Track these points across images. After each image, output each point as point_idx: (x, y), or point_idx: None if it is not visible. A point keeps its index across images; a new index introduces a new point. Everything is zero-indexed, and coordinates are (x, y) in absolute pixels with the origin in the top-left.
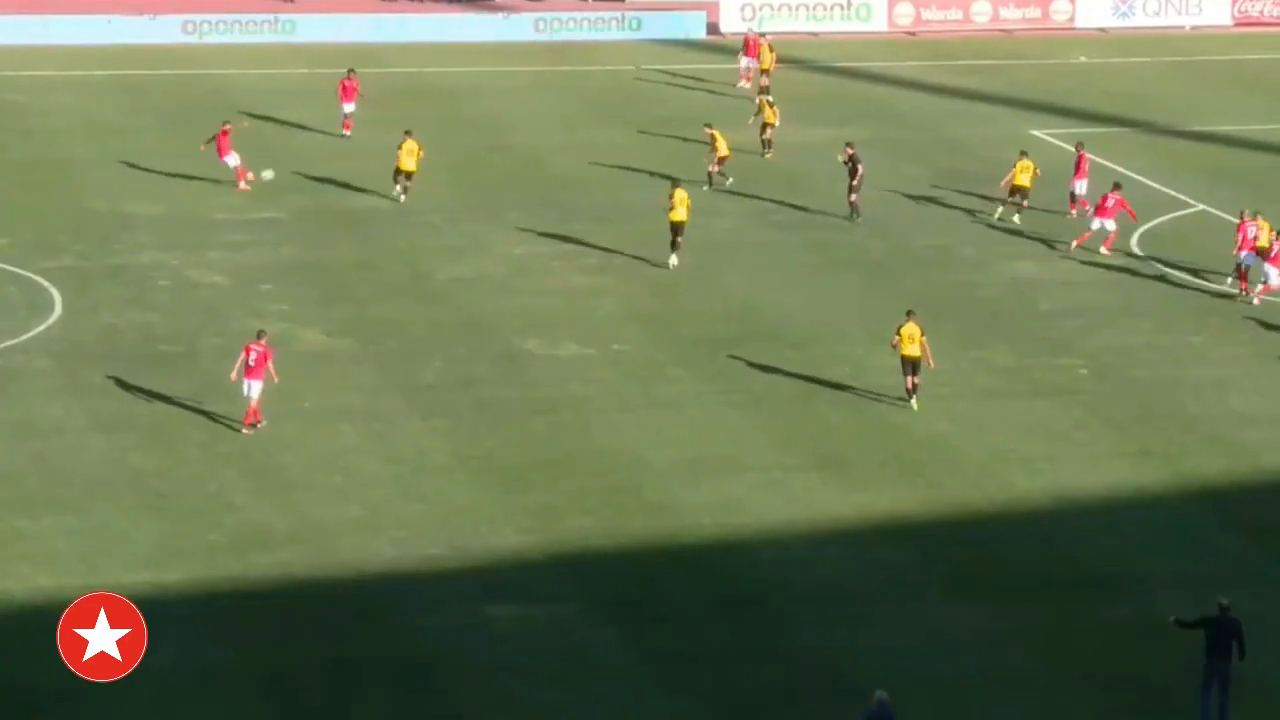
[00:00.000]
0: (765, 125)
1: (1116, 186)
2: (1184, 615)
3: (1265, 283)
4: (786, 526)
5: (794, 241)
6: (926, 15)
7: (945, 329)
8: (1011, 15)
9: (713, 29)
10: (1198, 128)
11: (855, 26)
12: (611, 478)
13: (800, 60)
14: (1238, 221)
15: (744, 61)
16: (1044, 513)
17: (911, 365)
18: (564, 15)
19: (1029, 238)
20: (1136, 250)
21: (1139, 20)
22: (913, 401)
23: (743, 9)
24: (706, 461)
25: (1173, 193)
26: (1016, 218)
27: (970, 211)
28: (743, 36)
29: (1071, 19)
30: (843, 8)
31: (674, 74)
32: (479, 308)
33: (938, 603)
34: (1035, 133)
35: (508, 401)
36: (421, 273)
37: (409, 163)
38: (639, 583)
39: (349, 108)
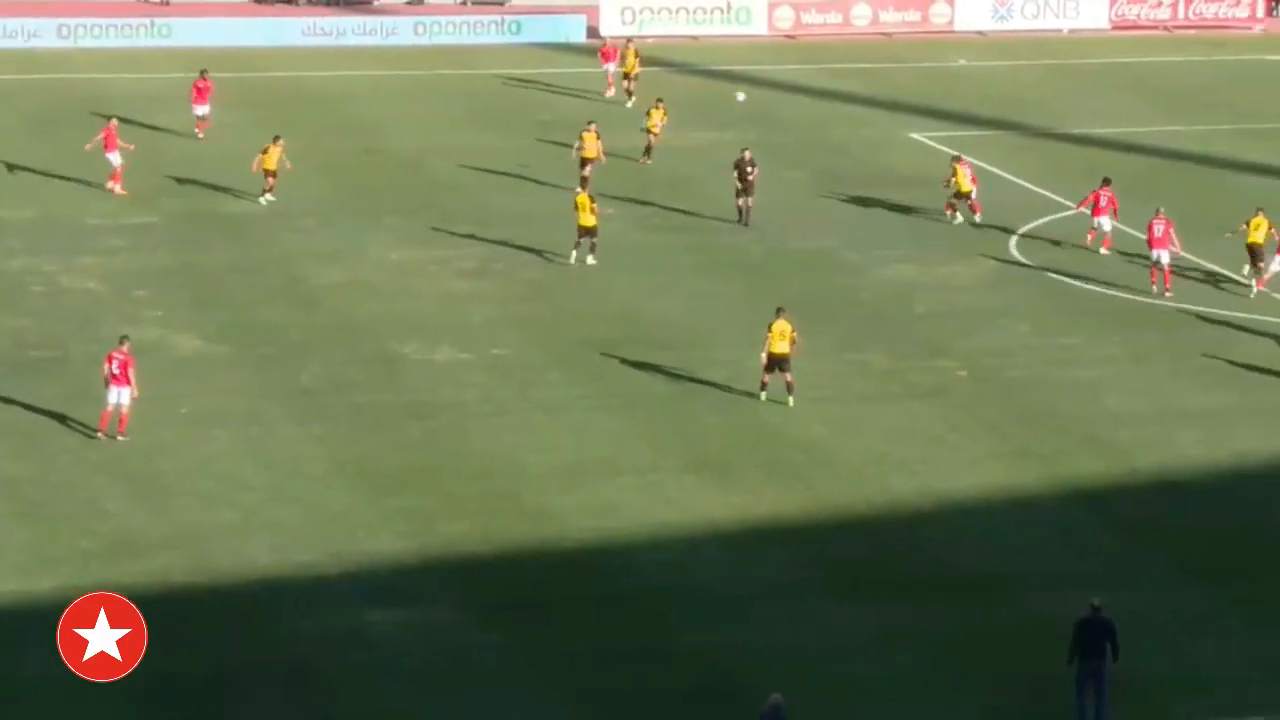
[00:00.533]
0: (649, 131)
1: (1106, 183)
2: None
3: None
4: (664, 529)
5: (674, 244)
6: (806, 18)
7: (824, 332)
8: (891, 18)
9: (593, 33)
10: (1076, 130)
11: (735, 30)
12: (489, 482)
13: (680, 64)
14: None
15: (610, 68)
16: (922, 515)
17: (779, 363)
18: (443, 19)
19: (907, 241)
20: (1014, 253)
21: (1017, 23)
22: (785, 400)
23: (623, 13)
24: (584, 465)
25: (1050, 195)
26: (959, 219)
27: (852, 214)
28: (602, 43)
29: (950, 22)
30: (722, 11)
31: (553, 78)
32: (355, 312)
33: (817, 604)
34: (914, 135)
35: (384, 406)
36: (298, 277)
37: (271, 162)
38: (517, 586)
39: (202, 110)
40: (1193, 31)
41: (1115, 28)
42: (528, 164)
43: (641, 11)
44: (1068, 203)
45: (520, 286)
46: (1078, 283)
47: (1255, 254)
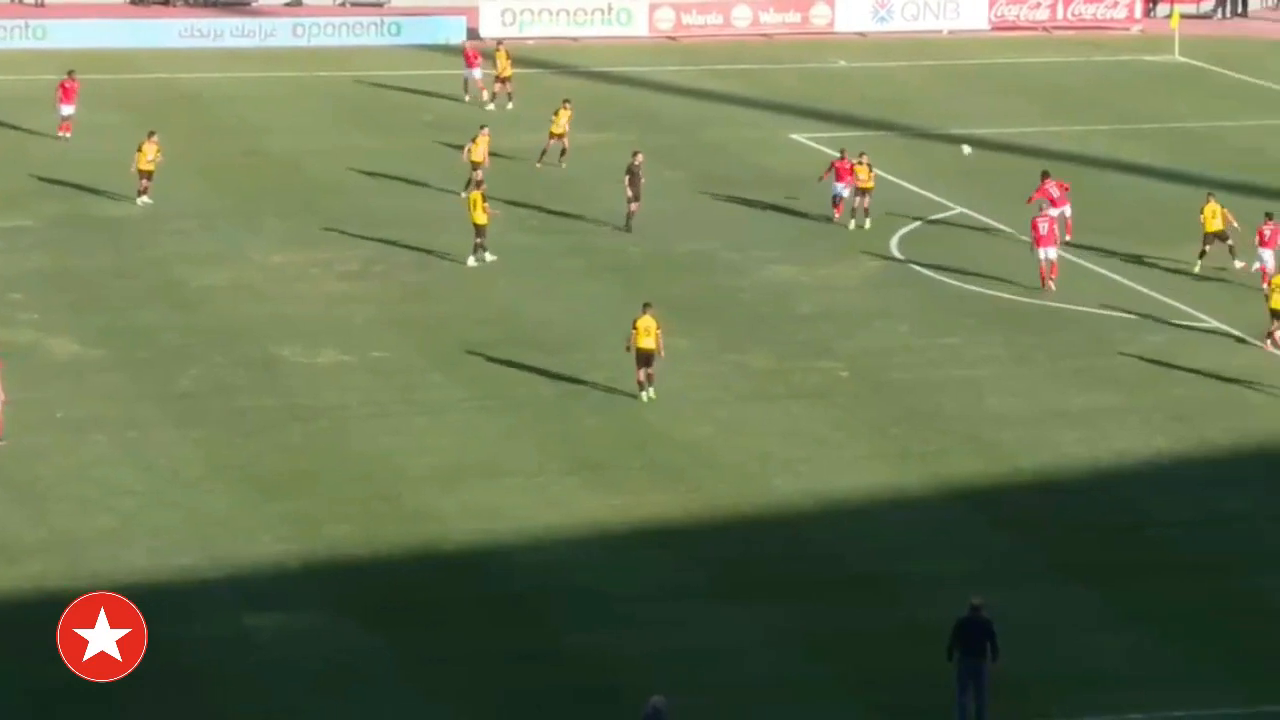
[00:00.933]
0: (555, 135)
1: (1045, 176)
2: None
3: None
4: (546, 531)
5: (555, 246)
6: (687, 20)
7: (706, 333)
8: (771, 20)
9: (473, 34)
10: (956, 130)
11: (616, 31)
12: (370, 485)
13: (561, 65)
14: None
15: (476, 73)
16: (805, 515)
17: (646, 358)
18: (322, 20)
19: (789, 242)
20: (895, 253)
21: (897, 24)
22: (646, 393)
23: (503, 14)
24: (466, 467)
25: (931, 195)
26: (868, 223)
27: (733, 215)
28: (461, 48)
29: (831, 23)
30: (603, 12)
31: (434, 79)
32: (235, 315)
33: (701, 605)
34: (795, 136)
35: (265, 410)
36: (176, 280)
37: (146, 163)
38: (399, 590)
39: (68, 110)
40: (1072, 32)
41: (995, 29)
42: (409, 166)
43: (522, 13)
44: (948, 203)
45: (402, 288)
46: (959, 283)
47: (1212, 241)
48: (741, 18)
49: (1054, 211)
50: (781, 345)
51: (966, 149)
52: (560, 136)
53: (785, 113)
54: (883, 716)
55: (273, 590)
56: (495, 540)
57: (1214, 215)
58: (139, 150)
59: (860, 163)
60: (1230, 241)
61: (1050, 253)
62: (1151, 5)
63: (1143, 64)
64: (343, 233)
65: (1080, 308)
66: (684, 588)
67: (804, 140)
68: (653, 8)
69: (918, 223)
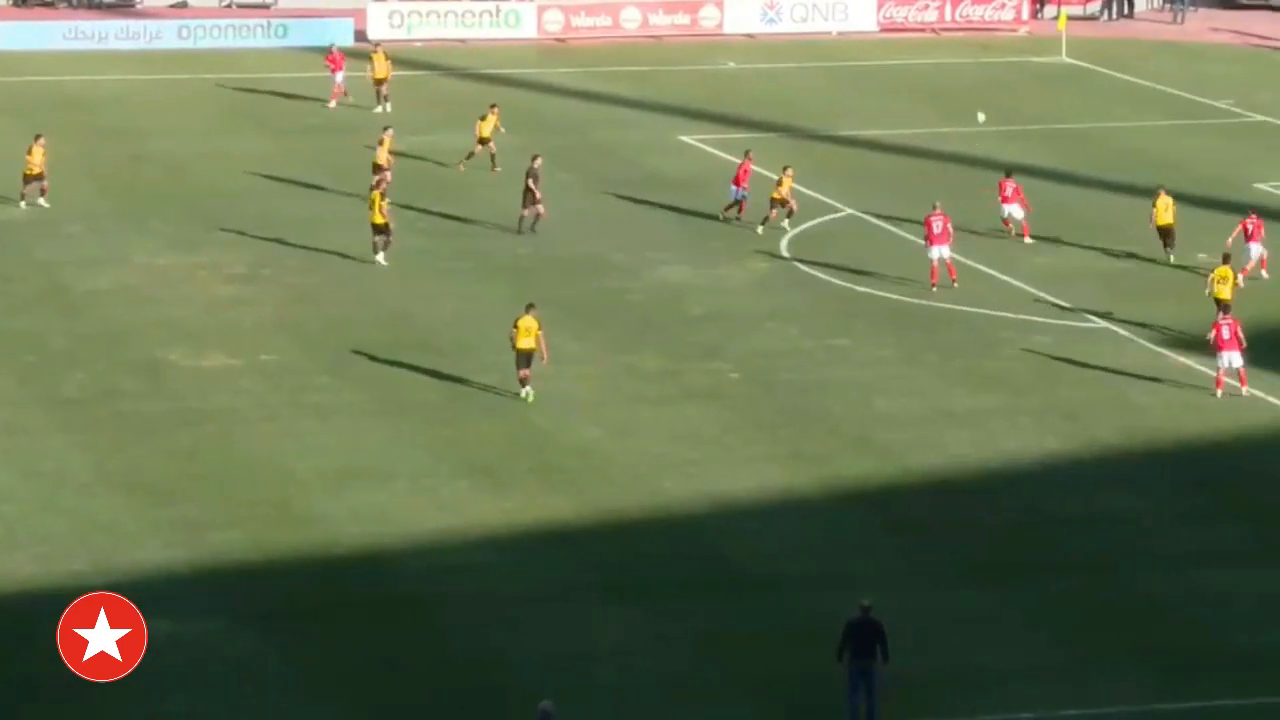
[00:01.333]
0: (481, 140)
1: (1009, 174)
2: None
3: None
4: (436, 535)
5: (444, 249)
6: (576, 22)
7: (595, 335)
8: (661, 21)
9: (360, 36)
10: (845, 132)
11: (505, 33)
12: (258, 489)
13: (450, 67)
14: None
15: (338, 77)
16: (696, 517)
17: (526, 358)
18: (208, 23)
19: (679, 243)
20: (785, 254)
21: (786, 26)
22: (525, 392)
23: (391, 16)
24: (354, 471)
25: (821, 197)
26: (786, 222)
27: (623, 217)
28: (328, 53)
29: (720, 25)
30: (492, 14)
31: (322, 81)
32: (121, 319)
33: (593, 608)
34: (684, 138)
35: (152, 414)
36: (61, 284)
37: (35, 166)
38: (288, 594)
39: None
40: (959, 34)
41: (883, 30)
42: (296, 169)
43: (410, 14)
44: (838, 204)
45: (289, 291)
46: (849, 284)
47: (1167, 236)
48: (630, 20)
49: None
50: (672, 347)
51: (981, 116)
52: (487, 141)
53: (675, 114)
54: (773, 717)
55: (161, 596)
56: (385, 544)
57: (1166, 209)
58: (28, 154)
59: (785, 175)
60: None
61: (944, 251)
62: (1039, 7)
63: (1030, 65)
64: (230, 235)
65: (969, 308)
66: (574, 590)
67: (693, 142)
68: (541, 10)
69: (808, 224)
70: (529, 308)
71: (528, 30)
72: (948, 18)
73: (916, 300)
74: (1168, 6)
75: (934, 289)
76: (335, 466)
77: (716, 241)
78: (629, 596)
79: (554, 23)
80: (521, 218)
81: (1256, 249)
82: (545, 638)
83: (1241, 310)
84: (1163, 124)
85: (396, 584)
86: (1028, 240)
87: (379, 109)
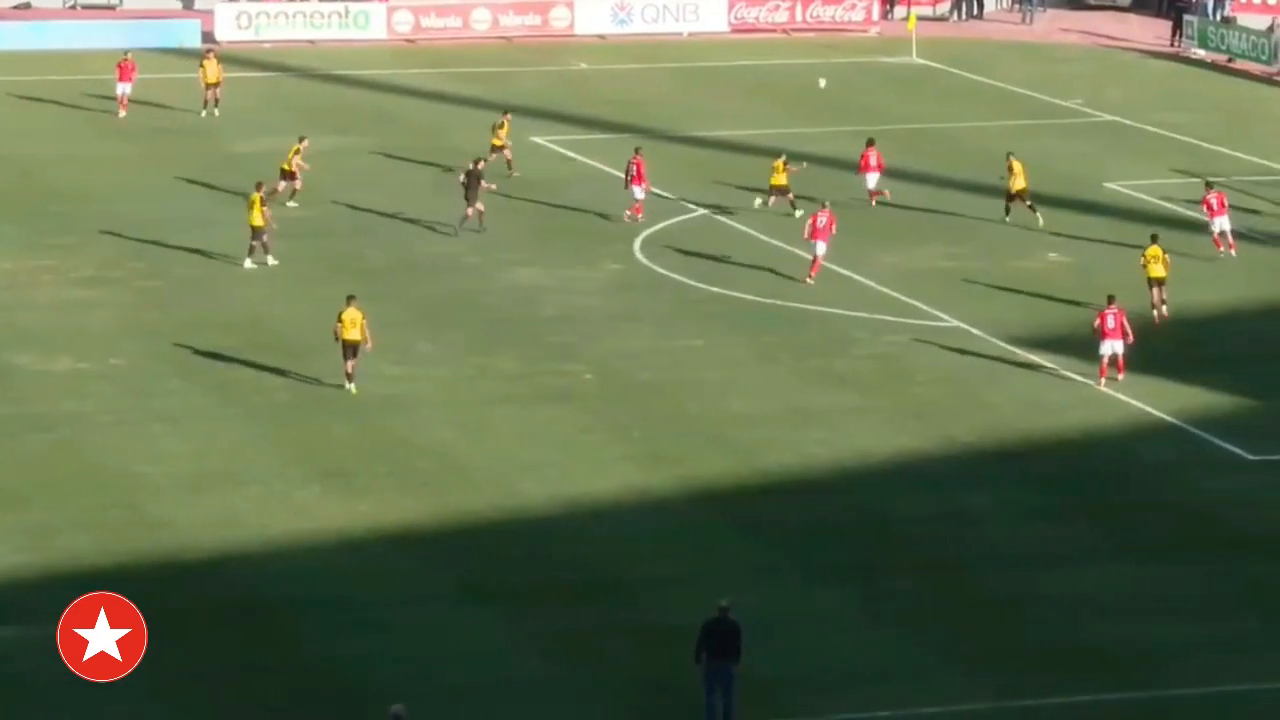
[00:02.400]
0: (495, 147)
1: (870, 142)
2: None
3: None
4: (290, 539)
5: (297, 251)
6: (426, 22)
7: (449, 337)
8: (511, 22)
9: (208, 37)
10: (697, 133)
11: (354, 34)
12: (108, 494)
13: (299, 69)
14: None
15: (125, 87)
16: (552, 518)
17: (352, 349)
18: (54, 23)
19: (532, 245)
20: (638, 256)
21: (638, 27)
22: (351, 386)
23: (238, 17)
24: (207, 475)
25: (674, 198)
26: (772, 201)
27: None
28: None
29: (571, 26)
30: (341, 15)
31: (168, 83)
32: None
33: (450, 611)
34: (537, 139)
35: None
36: None
37: None
38: (140, 600)
39: None
40: (811, 34)
41: (735, 31)
42: (144, 170)
43: (258, 16)
44: (690, 204)
45: (138, 294)
46: (702, 284)
47: (1022, 198)
48: (481, 20)
49: (864, 178)
50: (526, 348)
51: (822, 82)
52: (501, 148)
53: (526, 115)
54: (630, 719)
55: (9, 603)
56: (238, 549)
57: (1019, 173)
58: None
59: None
60: (1028, 203)
61: (819, 248)
62: (889, 7)
63: (881, 65)
64: (78, 238)
65: (823, 308)
66: (430, 592)
67: (545, 143)
68: (390, 10)
69: (660, 225)
70: (350, 299)
71: (377, 31)
72: (798, 18)
73: (770, 300)
74: (1017, 7)
75: (809, 282)
76: (186, 471)
77: (569, 243)
78: (484, 599)
79: (403, 23)
80: (465, 217)
81: (1220, 222)
82: (400, 641)
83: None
84: (1013, 124)
85: (249, 588)
86: (887, 196)
87: (204, 113)
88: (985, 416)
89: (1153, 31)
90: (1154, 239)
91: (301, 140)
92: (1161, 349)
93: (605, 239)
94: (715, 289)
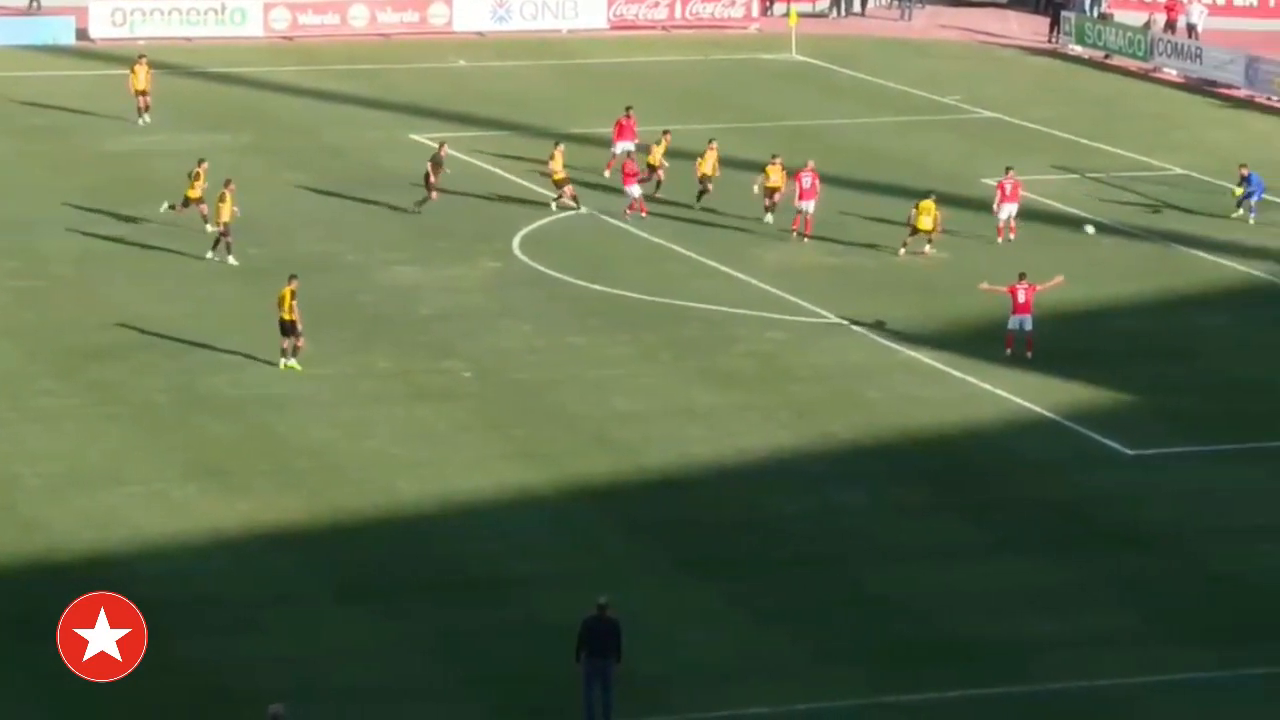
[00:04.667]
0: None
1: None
2: None
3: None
4: (167, 539)
5: (173, 250)
6: (303, 20)
7: (328, 335)
8: (389, 19)
9: (82, 34)
10: (577, 130)
11: (230, 32)
12: None
13: (174, 66)
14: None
15: None
16: (429, 516)
17: (290, 327)
18: None
19: (410, 243)
20: (517, 253)
21: (516, 24)
22: (285, 364)
23: (113, 14)
24: (83, 475)
25: (554, 195)
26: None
27: (354, 216)
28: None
29: (449, 23)
30: (217, 13)
31: (43, 81)
32: None
33: (328, 610)
34: (415, 137)
35: None
36: None
37: None
38: (15, 602)
39: None
40: (690, 31)
41: (614, 28)
42: (16, 169)
43: (133, 13)
44: (569, 204)
45: (10, 294)
46: (584, 282)
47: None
48: (358, 17)
49: (803, 204)
50: (405, 347)
51: (1090, 229)
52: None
53: (405, 113)
54: (510, 717)
55: None
56: (114, 549)
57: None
58: None
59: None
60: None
61: (809, 206)
62: (769, 4)
63: (761, 62)
64: None
65: (704, 305)
66: (308, 592)
67: (425, 141)
68: (267, 8)
69: (540, 223)
70: (291, 278)
71: (254, 29)
72: (678, 15)
73: (652, 298)
74: (896, 4)
75: (797, 235)
76: (61, 471)
77: (447, 241)
78: (363, 598)
79: (280, 20)
80: (426, 199)
81: (1009, 209)
82: (278, 640)
83: (981, 303)
84: (893, 120)
85: (126, 589)
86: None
87: (140, 122)
88: (864, 413)
89: (1031, 28)
90: (928, 194)
91: (200, 163)
92: (1037, 344)
93: (485, 236)
94: (596, 286)
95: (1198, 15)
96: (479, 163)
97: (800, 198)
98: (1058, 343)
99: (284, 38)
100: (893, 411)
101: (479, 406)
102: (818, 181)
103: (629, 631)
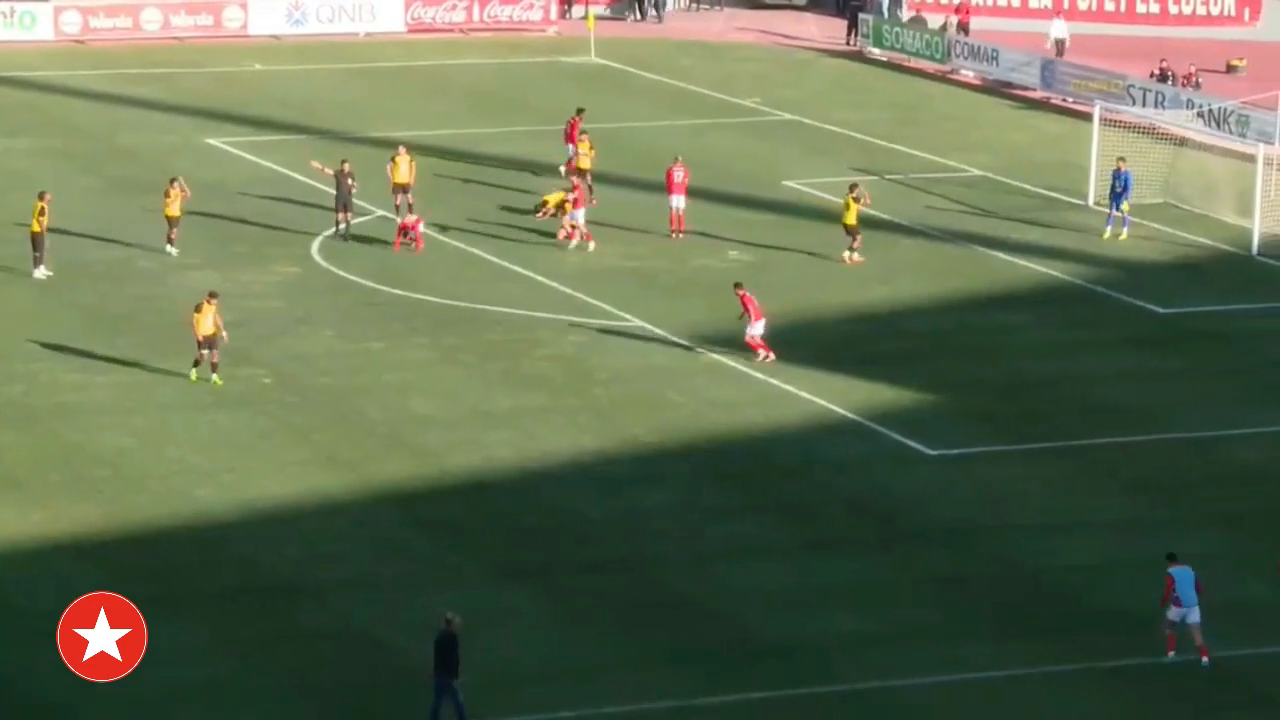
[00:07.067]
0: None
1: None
2: None
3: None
4: None
5: None
6: (95, 23)
7: (124, 342)
8: (183, 23)
9: None
10: (374, 134)
11: (19, 35)
12: None
13: None
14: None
15: None
16: (230, 524)
17: (207, 342)
18: None
19: (206, 248)
20: (316, 258)
21: (313, 28)
22: (193, 375)
23: None
24: None
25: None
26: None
27: (149, 222)
28: None
29: (244, 26)
30: (5, 16)
31: None
32: None
33: None
34: (211, 141)
35: None
36: None
37: None
38: None
39: None
40: (489, 34)
41: (412, 30)
42: None
43: None
44: (369, 207)
45: None
46: (382, 287)
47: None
48: (151, 20)
49: (675, 201)
50: None
51: (734, 253)
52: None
53: (200, 117)
54: None
55: None
56: None
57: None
58: None
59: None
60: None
61: (680, 201)
62: (567, 7)
63: (561, 65)
64: None
65: (505, 309)
66: None
67: (220, 145)
68: (58, 11)
69: (340, 227)
70: (211, 296)
71: (44, 32)
72: (476, 18)
73: (452, 302)
74: (695, 7)
75: (675, 236)
76: None
77: (243, 245)
78: (167, 606)
79: (71, 24)
80: (345, 224)
81: (678, 200)
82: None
83: (783, 305)
84: (691, 123)
85: None
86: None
87: None
88: (667, 415)
89: (829, 31)
90: (852, 187)
91: (43, 196)
92: (839, 345)
93: (281, 241)
94: (396, 291)
95: (1062, 30)
96: (274, 166)
97: (670, 191)
98: (859, 344)
99: (75, 41)
100: (695, 413)
101: (279, 412)
102: (688, 177)
103: (434, 635)
